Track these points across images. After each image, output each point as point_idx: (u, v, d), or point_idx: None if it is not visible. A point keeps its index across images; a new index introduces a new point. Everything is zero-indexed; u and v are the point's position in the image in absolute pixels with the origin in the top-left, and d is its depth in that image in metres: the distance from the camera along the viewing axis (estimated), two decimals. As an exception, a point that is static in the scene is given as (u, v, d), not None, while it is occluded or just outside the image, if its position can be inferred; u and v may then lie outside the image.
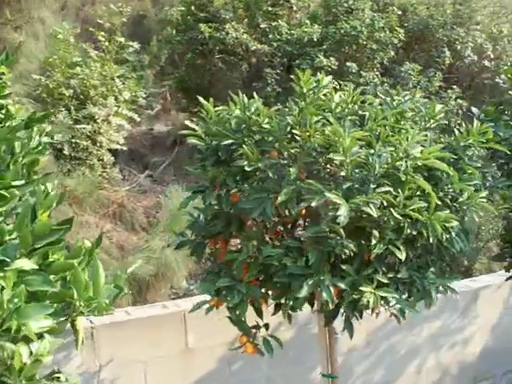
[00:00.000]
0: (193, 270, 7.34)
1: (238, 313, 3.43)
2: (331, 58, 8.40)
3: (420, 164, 3.23)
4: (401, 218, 3.13)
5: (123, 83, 8.12)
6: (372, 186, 3.11)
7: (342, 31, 8.49)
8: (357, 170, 3.20)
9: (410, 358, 5.76)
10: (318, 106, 3.44)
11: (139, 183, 8.50)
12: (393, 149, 3.26)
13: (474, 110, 4.35)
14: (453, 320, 5.92)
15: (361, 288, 3.29)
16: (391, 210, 3.11)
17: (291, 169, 3.22)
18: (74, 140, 7.63)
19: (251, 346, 3.58)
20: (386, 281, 3.41)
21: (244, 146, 3.30)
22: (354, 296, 3.34)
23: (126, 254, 7.30)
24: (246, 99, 3.46)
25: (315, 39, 8.44)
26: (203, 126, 3.53)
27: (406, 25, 8.97)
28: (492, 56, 8.77)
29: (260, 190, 3.31)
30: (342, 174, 3.29)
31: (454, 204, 3.49)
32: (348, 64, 8.43)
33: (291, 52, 8.66)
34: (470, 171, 3.55)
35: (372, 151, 3.15)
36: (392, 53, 8.65)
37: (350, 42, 8.61)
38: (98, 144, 7.92)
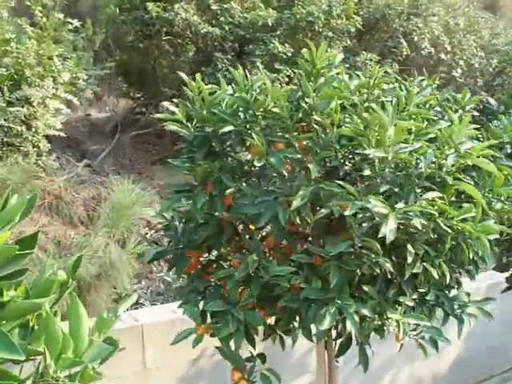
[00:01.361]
0: (139, 270, 6.48)
1: (231, 344, 2.62)
2: (286, 45, 7.62)
3: (470, 163, 2.48)
4: (450, 230, 2.38)
5: (62, 63, 7.10)
6: (417, 190, 2.35)
7: (298, 16, 7.71)
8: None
9: (384, 371, 5.09)
10: (334, 88, 2.66)
11: (77, 173, 7.52)
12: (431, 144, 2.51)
13: (492, 101, 3.64)
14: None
15: (389, 314, 2.54)
16: (438, 220, 2.35)
17: (311, 165, 2.43)
18: (6, 124, 6.60)
19: (246, 383, 2.77)
20: (411, 304, 2.68)
21: (249, 134, 2.48)
22: (376, 323, 2.59)
23: (64, 250, 6.34)
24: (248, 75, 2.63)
25: (270, 24, 7.62)
26: (190, 109, 2.67)
27: (361, 13, 8.26)
28: (448, 49, 8.18)
29: (266, 192, 2.51)
30: (367, 172, 2.52)
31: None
32: (303, 51, 7.64)
33: (243, 36, 7.83)
34: (506, 172, 2.83)
35: (415, 147, 2.39)
36: (348, 41, 7.93)
37: (305, 29, 7.84)
38: (34, 129, 6.92)
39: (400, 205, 2.30)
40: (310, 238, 2.83)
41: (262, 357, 2.83)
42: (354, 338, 2.71)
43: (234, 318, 2.55)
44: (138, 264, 6.59)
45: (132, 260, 6.50)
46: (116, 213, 6.57)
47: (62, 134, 7.13)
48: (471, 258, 2.62)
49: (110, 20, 8.25)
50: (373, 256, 2.38)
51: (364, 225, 2.31)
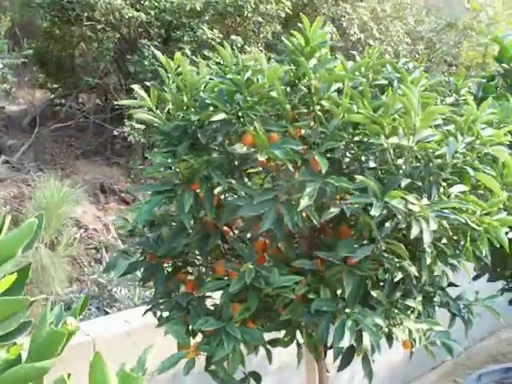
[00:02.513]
0: (72, 275, 5.95)
1: (226, 366, 2.22)
2: (214, 31, 7.20)
3: (491, 152, 2.18)
4: (479, 228, 2.06)
5: (-26, 51, 6.42)
6: (443, 183, 2.02)
7: (227, 1, 7.30)
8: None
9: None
10: (327, 70, 2.30)
11: (-5, 170, 6.85)
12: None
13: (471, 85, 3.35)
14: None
15: (405, 323, 2.21)
16: (464, 216, 2.04)
17: (318, 158, 2.05)
18: None
19: (241, 409, 2.37)
20: (420, 307, 2.37)
21: (242, 123, 2.08)
22: (385, 330, 2.27)
23: (-14, 256, 5.69)
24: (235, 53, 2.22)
25: (198, 9, 7.17)
26: (169, 94, 2.24)
27: (288, -2, 7.92)
28: (377, 35, 7.98)
29: (264, 191, 2.12)
30: (372, 164, 2.19)
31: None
32: (233, 37, 7.25)
33: (170, 22, 7.34)
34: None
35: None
36: (278, 27, 7.59)
37: (233, 14, 7.44)
38: None
39: (425, 201, 1.97)
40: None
41: (257, 376, 2.44)
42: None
43: (230, 336, 2.15)
44: (69, 266, 6.06)
45: (64, 263, 5.97)
46: (44, 213, 5.99)
47: (-22, 129, 6.47)
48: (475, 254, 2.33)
49: (23, 4, 7.55)
50: (396, 260, 2.04)
51: (387, 225, 1.97)
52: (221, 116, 2.07)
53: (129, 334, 3.71)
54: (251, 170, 2.39)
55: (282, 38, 2.41)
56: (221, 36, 7.16)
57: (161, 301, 2.44)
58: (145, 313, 2.59)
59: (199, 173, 2.12)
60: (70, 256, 6.08)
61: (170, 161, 2.10)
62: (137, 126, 6.85)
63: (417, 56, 8.31)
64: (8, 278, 1.12)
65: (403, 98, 1.97)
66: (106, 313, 5.31)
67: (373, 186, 1.93)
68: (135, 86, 2.35)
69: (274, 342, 2.48)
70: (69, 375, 1.09)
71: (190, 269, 2.65)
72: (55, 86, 8.17)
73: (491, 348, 5.83)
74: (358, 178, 1.97)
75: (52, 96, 8.34)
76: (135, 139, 6.78)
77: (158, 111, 2.34)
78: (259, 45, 7.62)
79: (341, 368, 2.36)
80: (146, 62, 7.07)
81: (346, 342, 1.99)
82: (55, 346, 1.07)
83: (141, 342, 3.71)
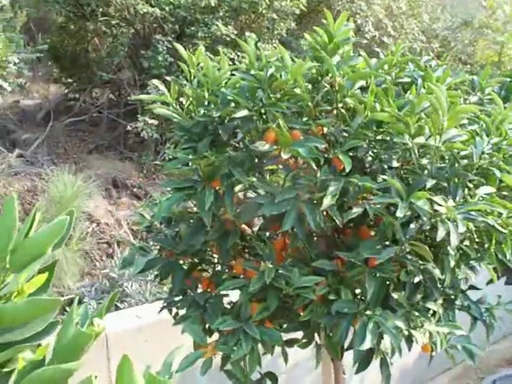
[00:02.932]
0: (84, 269, 5.92)
1: (243, 366, 2.17)
2: (229, 27, 7.15)
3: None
4: (504, 230, 2.01)
5: (-11, 45, 6.39)
6: (469, 184, 1.97)
7: (241, -3, 7.25)
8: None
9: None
10: (352, 66, 2.24)
11: (9, 164, 6.82)
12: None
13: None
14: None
15: (425, 326, 2.16)
16: (490, 218, 1.98)
17: (342, 156, 2.00)
18: None
19: (257, 410, 2.33)
20: (441, 310, 2.32)
21: (264, 120, 2.03)
22: (405, 333, 2.22)
23: (-1, 249, 5.67)
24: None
25: (213, 4, 7.11)
26: (190, 89, 2.19)
27: (302, -6, 7.85)
28: (392, 32, 7.90)
29: (286, 189, 2.07)
30: (395, 164, 2.14)
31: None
32: (247, 34, 7.20)
33: (184, 18, 7.29)
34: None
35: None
36: (293, 24, 7.53)
37: (248, 11, 7.39)
38: (-41, 117, 6.21)
39: (450, 202, 1.91)
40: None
41: (273, 377, 2.40)
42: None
43: (248, 336, 2.11)
44: (81, 260, 6.03)
45: (76, 257, 5.95)
46: (56, 207, 5.99)
47: (-7, 123, 6.46)
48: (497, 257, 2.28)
49: (38, 0, 7.52)
50: (420, 262, 1.99)
51: (411, 226, 1.92)
52: (243, 113, 2.02)
53: (140, 329, 3.68)
54: (269, 168, 2.34)
55: (304, 34, 2.36)
56: (235, 32, 7.11)
57: (177, 298, 2.39)
58: (161, 310, 2.55)
59: (220, 170, 2.08)
60: (82, 250, 6.06)
61: (191, 157, 2.06)
62: (150, 121, 6.82)
63: (431, 54, 8.22)
64: (39, 277, 1.08)
65: (430, 96, 1.91)
66: (117, 308, 5.28)
67: (398, 186, 1.88)
68: (155, 81, 2.31)
69: (291, 343, 2.44)
70: (95, 376, 1.04)
71: (206, 267, 2.61)
72: (69, 80, 8.15)
73: (505, 351, 5.75)
74: (383, 177, 1.92)
75: (66, 91, 8.31)
76: (148, 134, 6.74)
77: (178, 106, 2.30)
78: (273, 42, 7.57)
79: (359, 370, 2.30)
80: (160, 58, 7.03)
81: (367, 345, 1.94)
82: (81, 348, 1.03)
83: (153, 337, 3.68)
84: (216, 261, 2.61)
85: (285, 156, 1.94)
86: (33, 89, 8.78)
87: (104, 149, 7.70)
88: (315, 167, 2.01)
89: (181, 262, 2.44)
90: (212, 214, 2.25)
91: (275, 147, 2.02)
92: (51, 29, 8.19)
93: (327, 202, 1.95)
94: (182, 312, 2.39)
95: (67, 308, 5.44)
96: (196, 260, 2.49)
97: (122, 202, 7.21)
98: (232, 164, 2.09)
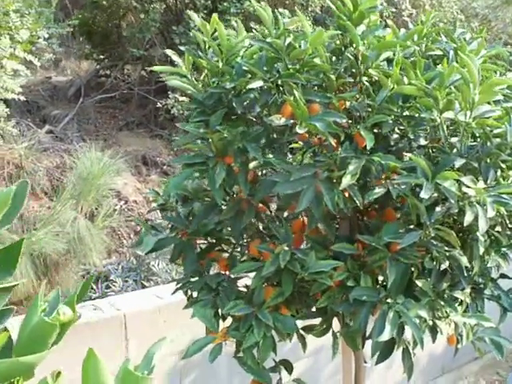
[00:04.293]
0: (111, 246, 5.85)
1: (256, 354, 2.04)
2: (262, 3, 6.94)
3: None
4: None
5: (20, 20, 6.29)
6: (502, 165, 1.79)
7: (275, -27, 7.05)
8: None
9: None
10: (378, 37, 2.07)
11: (39, 140, 6.76)
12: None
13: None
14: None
15: (451, 316, 2.00)
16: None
17: (363, 132, 1.84)
18: (-42, 87, 5.84)
19: (270, 399, 2.19)
20: (468, 300, 2.15)
21: (281, 92, 1.88)
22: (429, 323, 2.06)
23: (26, 225, 5.65)
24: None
25: (245, -21, 6.93)
26: (205, 60, 2.05)
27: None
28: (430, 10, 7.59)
29: (303, 167, 1.92)
30: (422, 142, 1.97)
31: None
32: (280, 10, 6.99)
33: (217, -7, 7.13)
34: None
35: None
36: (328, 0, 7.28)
37: (280, -14, 7.19)
38: (-11, 93, 6.14)
39: (481, 184, 1.74)
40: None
41: (288, 365, 2.27)
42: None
43: (261, 323, 1.97)
44: (108, 238, 5.97)
45: (102, 234, 5.88)
46: (83, 183, 5.92)
47: (22, 98, 6.38)
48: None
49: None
50: (446, 248, 1.83)
51: (437, 209, 1.75)
52: (258, 83, 1.87)
53: (160, 310, 3.58)
54: (295, 146, 2.19)
55: (328, 1, 2.19)
56: (269, 9, 6.91)
57: (192, 280, 2.27)
58: (174, 291, 2.43)
59: (233, 145, 1.93)
60: (109, 227, 5.99)
61: (201, 131, 1.92)
62: (181, 98, 6.70)
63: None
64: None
65: (461, 68, 1.74)
66: (143, 286, 5.23)
67: (423, 165, 1.71)
68: (169, 51, 2.17)
69: (308, 329, 2.30)
70: (58, 373, 0.91)
71: (224, 247, 2.48)
72: (101, 56, 8.05)
73: (537, 340, 5.53)
74: (407, 155, 1.75)
75: (98, 67, 8.23)
76: (179, 112, 6.62)
77: (194, 78, 2.16)
78: (307, 19, 7.35)
79: (379, 361, 2.16)
80: (192, 34, 6.87)
81: (385, 336, 1.79)
82: (44, 339, 0.90)
83: (172, 319, 3.58)
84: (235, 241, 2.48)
85: (300, 131, 1.78)
86: (65, 65, 8.72)
87: (134, 126, 7.61)
88: (334, 144, 1.85)
89: (198, 242, 2.32)
90: (226, 192, 2.12)
91: (292, 121, 1.87)
92: (85, 5, 8.08)
93: (346, 181, 1.80)
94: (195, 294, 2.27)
95: (93, 285, 5.40)
96: (213, 240, 2.36)
97: (152, 180, 7.13)
98: (246, 139, 1.95)
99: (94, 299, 4.93)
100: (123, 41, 7.64)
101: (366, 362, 2.57)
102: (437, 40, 2.19)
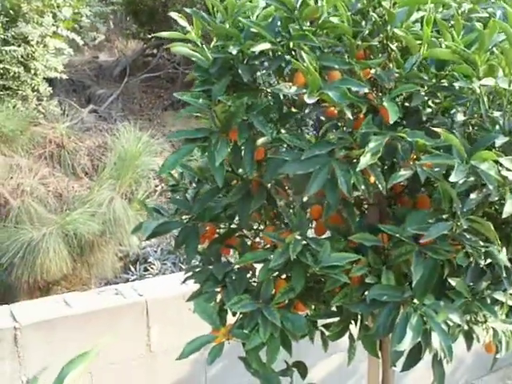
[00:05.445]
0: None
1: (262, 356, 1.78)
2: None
3: None
4: None
5: (63, -2, 6.15)
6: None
7: None
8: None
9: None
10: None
11: (82, 119, 6.64)
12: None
13: None
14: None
15: (489, 322, 1.70)
16: None
17: (388, 104, 1.54)
18: (2, 66, 5.73)
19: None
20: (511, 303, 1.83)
21: (292, 57, 1.60)
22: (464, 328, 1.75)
23: (65, 205, 5.52)
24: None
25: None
26: (212, 22, 1.77)
27: None
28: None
29: (318, 144, 1.63)
30: (460, 117, 1.66)
31: None
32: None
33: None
34: None
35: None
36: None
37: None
38: (33, 71, 6.04)
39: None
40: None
41: (302, 367, 1.99)
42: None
43: (267, 321, 1.71)
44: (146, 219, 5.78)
45: (139, 215, 5.69)
46: (122, 163, 5.75)
47: (65, 77, 6.25)
48: None
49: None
50: (481, 243, 1.52)
51: (472, 196, 1.45)
52: (264, 46, 1.59)
53: (184, 296, 3.34)
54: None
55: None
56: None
57: (197, 269, 2.02)
58: (184, 281, 2.19)
59: (237, 118, 1.66)
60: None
61: (200, 101, 1.65)
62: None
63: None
64: None
65: (506, 25, 1.42)
66: (181, 269, 5.06)
67: (456, 142, 1.40)
68: (173, 14, 1.91)
69: (327, 328, 2.02)
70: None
71: (247, 233, 2.22)
72: (148, 36, 7.86)
73: None
74: (439, 131, 1.45)
75: (144, 46, 8.05)
76: (223, 92, 6.37)
77: (205, 46, 1.89)
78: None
79: (404, 369, 1.86)
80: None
81: (405, 345, 1.50)
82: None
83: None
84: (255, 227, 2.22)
85: (309, 100, 1.49)
86: (113, 45, 8.58)
87: (180, 106, 7.41)
88: (351, 116, 1.56)
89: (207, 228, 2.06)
90: (233, 172, 1.85)
91: (304, 91, 1.58)
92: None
93: (365, 160, 1.50)
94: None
95: (132, 267, 5.24)
96: (223, 226, 2.10)
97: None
98: (254, 111, 1.67)
99: (133, 281, 4.78)
100: (169, 19, 7.42)
101: (394, 366, 2.27)
102: (481, 0, 1.86)
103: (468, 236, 1.52)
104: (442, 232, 1.44)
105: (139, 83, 7.36)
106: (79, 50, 7.50)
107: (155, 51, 7.97)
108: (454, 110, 1.76)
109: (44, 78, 6.15)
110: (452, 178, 1.36)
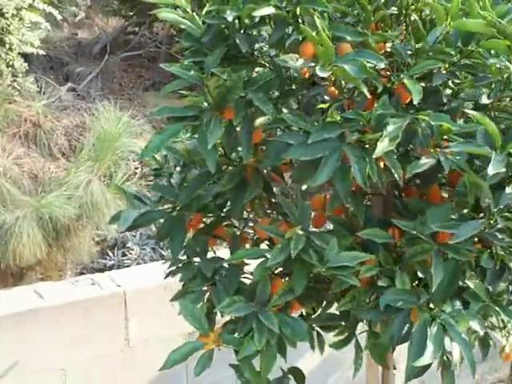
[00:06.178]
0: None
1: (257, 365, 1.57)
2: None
3: None
4: None
5: (39, -32, 5.85)
6: None
7: None
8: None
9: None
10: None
11: (59, 97, 6.34)
12: None
13: None
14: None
15: (510, 327, 1.50)
16: None
17: (408, 83, 1.33)
18: (-27, 39, 5.46)
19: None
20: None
21: (296, 24, 1.38)
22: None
23: (40, 187, 5.26)
24: None
25: None
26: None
27: None
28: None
29: (326, 126, 1.41)
30: (485, 100, 1.45)
31: None
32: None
33: None
34: None
35: None
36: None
37: None
38: (7, 45, 5.73)
39: None
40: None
41: (299, 374, 1.79)
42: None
43: (263, 326, 1.49)
44: (125, 205, 5.54)
45: (117, 199, 5.44)
46: (101, 144, 5.49)
47: (42, 53, 5.96)
48: None
49: None
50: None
51: (508, 191, 1.24)
52: (268, 10, 1.36)
53: (166, 287, 3.13)
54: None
55: None
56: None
57: (180, 265, 1.80)
58: (166, 277, 1.97)
59: (233, 94, 1.43)
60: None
61: (191, 73, 1.42)
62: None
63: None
64: None
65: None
66: (161, 255, 4.86)
67: (492, 128, 1.19)
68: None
69: (327, 329, 1.81)
70: None
71: (235, 222, 2.00)
72: (129, 13, 7.56)
73: None
74: (468, 112, 1.23)
75: (125, 24, 7.75)
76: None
77: (195, 13, 1.65)
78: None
79: (409, 378, 1.66)
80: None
81: (426, 359, 1.29)
82: None
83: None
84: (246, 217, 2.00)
85: (321, 74, 1.27)
86: (93, 22, 8.25)
87: (161, 86, 7.14)
88: (368, 95, 1.34)
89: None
90: (226, 156, 1.63)
91: (313, 64, 1.36)
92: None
93: (383, 146, 1.29)
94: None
95: (109, 252, 5.02)
96: (213, 217, 1.88)
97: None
98: (252, 87, 1.45)
99: (111, 267, 4.57)
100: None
101: (394, 368, 2.08)
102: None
103: (500, 236, 1.32)
104: (475, 231, 1.24)
105: (119, 62, 7.08)
106: (58, 26, 7.19)
107: (137, 29, 7.67)
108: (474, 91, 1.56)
109: (19, 53, 5.84)
110: (490, 170, 1.15)
